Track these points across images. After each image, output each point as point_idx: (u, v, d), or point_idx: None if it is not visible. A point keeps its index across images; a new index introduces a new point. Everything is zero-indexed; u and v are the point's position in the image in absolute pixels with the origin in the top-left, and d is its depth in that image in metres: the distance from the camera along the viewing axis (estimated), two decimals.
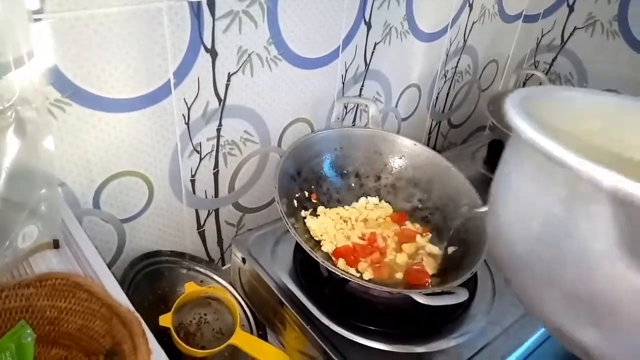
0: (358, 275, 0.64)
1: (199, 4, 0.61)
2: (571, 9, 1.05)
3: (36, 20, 0.48)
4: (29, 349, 0.36)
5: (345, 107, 0.90)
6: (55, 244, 0.51)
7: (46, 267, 0.50)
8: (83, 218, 0.65)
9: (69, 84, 0.55)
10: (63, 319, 0.42)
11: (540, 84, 1.07)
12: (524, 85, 1.19)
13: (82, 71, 0.55)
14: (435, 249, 0.70)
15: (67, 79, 0.54)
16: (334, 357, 0.59)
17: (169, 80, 0.63)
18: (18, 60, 0.42)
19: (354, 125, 0.94)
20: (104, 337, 0.40)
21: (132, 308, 0.43)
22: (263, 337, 0.74)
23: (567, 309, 0.31)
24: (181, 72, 0.64)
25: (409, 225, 0.74)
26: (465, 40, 1.03)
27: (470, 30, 1.02)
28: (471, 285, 0.66)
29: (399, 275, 0.66)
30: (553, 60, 1.11)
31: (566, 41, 1.08)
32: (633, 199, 0.23)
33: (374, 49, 0.86)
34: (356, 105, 0.92)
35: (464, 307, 0.65)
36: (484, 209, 0.67)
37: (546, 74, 1.11)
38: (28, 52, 0.42)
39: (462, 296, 0.58)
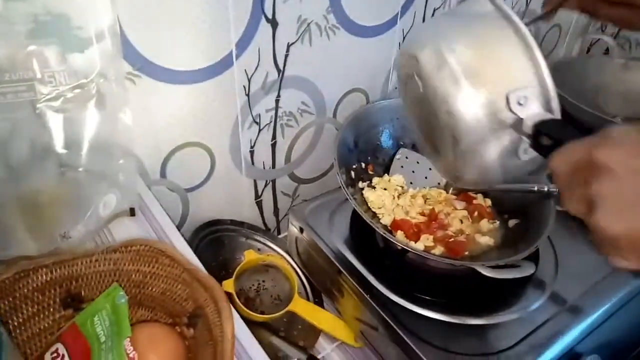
0: (420, 248, 0.64)
1: None
2: None
3: None
4: (124, 310, 0.38)
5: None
6: (132, 212, 0.54)
7: (124, 234, 0.52)
8: (151, 188, 0.68)
9: (139, 57, 0.56)
10: (147, 282, 0.44)
11: (607, 49, 1.00)
12: (587, 52, 1.12)
13: (151, 44, 0.56)
14: (486, 239, 0.67)
15: (138, 51, 0.56)
16: (393, 325, 0.60)
17: (232, 51, 0.63)
18: (99, 34, 0.43)
19: None
20: (186, 301, 0.42)
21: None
22: (319, 304, 0.76)
23: None
24: (243, 43, 0.64)
25: (480, 200, 0.73)
26: (527, 4, 0.98)
27: None
28: (533, 259, 0.64)
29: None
30: None
31: None
32: None
33: (433, 14, 0.83)
34: None
35: (526, 281, 0.64)
36: (553, 186, 0.64)
37: (614, 38, 1.04)
38: (109, 27, 0.44)
39: (528, 269, 0.58)
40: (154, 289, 0.45)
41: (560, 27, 1.11)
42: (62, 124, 0.45)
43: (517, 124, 0.39)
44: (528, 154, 0.40)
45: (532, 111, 0.38)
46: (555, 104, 0.40)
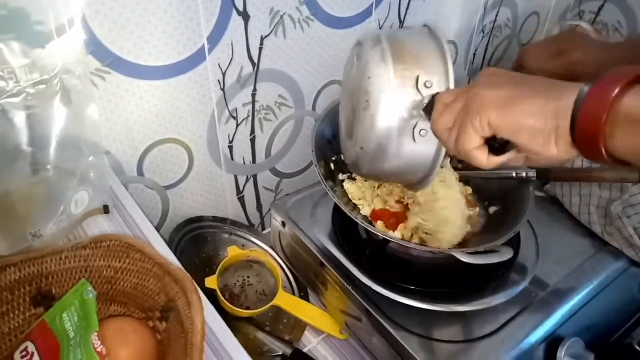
0: (398, 236, 0.64)
1: None
2: None
3: None
4: (92, 304, 0.38)
5: None
6: (105, 209, 0.53)
7: (98, 231, 0.52)
8: (128, 185, 0.67)
9: (107, 53, 0.56)
10: (119, 278, 0.44)
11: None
12: None
13: (119, 39, 0.56)
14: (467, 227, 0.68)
15: (106, 47, 0.55)
16: (376, 315, 0.60)
17: (203, 45, 0.63)
18: (59, 28, 0.43)
19: None
20: (158, 295, 0.42)
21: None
22: (305, 298, 0.76)
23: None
24: (215, 37, 0.63)
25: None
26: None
27: None
28: (514, 245, 0.65)
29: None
30: (600, 9, 1.04)
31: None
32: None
33: (409, 4, 0.83)
34: None
35: (507, 266, 0.64)
36: (530, 172, 0.65)
37: (592, 23, 1.05)
38: (69, 20, 0.43)
39: (506, 254, 0.58)
40: (125, 284, 0.44)
41: (539, 14, 1.12)
42: (27, 120, 0.44)
43: (418, 103, 0.46)
44: (422, 135, 0.47)
45: (431, 94, 0.46)
46: None
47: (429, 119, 0.45)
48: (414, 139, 0.48)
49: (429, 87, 0.46)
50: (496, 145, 0.40)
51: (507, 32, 1.08)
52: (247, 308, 0.70)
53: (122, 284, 0.44)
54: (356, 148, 0.53)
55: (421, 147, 0.48)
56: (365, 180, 0.72)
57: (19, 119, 0.43)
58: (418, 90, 0.47)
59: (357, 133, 0.53)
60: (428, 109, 0.45)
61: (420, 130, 0.47)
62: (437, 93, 0.45)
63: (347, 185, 0.71)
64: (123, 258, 0.44)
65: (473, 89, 0.39)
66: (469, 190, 0.72)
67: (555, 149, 0.35)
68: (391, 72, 0.47)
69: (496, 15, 1.02)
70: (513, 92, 0.37)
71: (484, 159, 0.40)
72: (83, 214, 0.51)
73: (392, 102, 0.47)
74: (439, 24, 0.91)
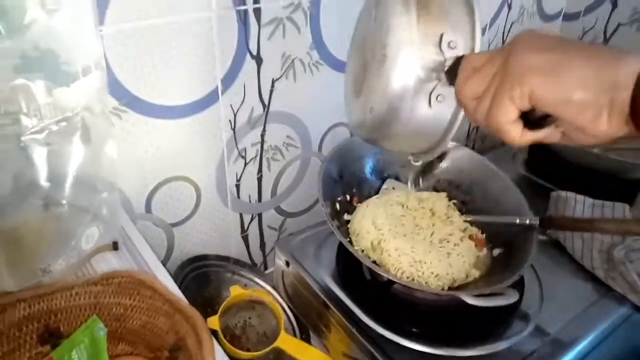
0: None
1: (245, 11, 0.63)
2: (614, 4, 1.03)
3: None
4: (102, 342, 0.38)
5: None
6: (115, 246, 0.53)
7: (107, 268, 0.52)
8: (136, 222, 0.67)
9: (125, 92, 0.58)
10: (128, 315, 0.44)
11: None
12: None
13: (137, 80, 0.58)
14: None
15: (124, 87, 0.57)
16: (380, 359, 0.59)
17: (217, 87, 0.65)
18: (86, 69, 0.44)
19: None
20: (168, 333, 0.42)
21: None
22: (306, 340, 0.75)
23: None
24: (228, 79, 0.66)
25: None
26: (504, 41, 1.02)
27: (509, 30, 1.02)
28: (518, 289, 0.65)
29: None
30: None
31: (609, 38, 1.05)
32: None
33: None
34: None
35: (511, 311, 0.64)
36: (533, 219, 0.65)
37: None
38: (95, 62, 0.45)
39: (512, 297, 0.58)
40: (135, 322, 0.44)
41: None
42: (46, 157, 0.45)
43: (439, 64, 0.42)
44: (439, 101, 0.43)
45: (456, 55, 0.42)
46: None
47: (450, 84, 0.41)
48: (429, 103, 0.43)
49: (454, 49, 0.42)
50: (533, 119, 0.34)
51: None
52: (248, 350, 0.69)
53: (131, 321, 0.44)
54: (365, 108, 0.49)
55: (436, 113, 0.44)
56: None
57: (39, 155, 0.44)
58: (441, 49, 0.42)
59: (367, 91, 0.48)
60: (451, 72, 0.41)
61: (438, 96, 0.43)
62: (463, 55, 0.40)
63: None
64: (134, 295, 0.43)
65: (512, 54, 0.34)
66: (474, 230, 0.73)
67: (607, 124, 0.31)
68: (414, 25, 0.42)
69: None
70: (560, 57, 0.32)
71: (517, 134, 0.35)
72: (93, 250, 0.51)
73: (412, 58, 0.42)
74: None
